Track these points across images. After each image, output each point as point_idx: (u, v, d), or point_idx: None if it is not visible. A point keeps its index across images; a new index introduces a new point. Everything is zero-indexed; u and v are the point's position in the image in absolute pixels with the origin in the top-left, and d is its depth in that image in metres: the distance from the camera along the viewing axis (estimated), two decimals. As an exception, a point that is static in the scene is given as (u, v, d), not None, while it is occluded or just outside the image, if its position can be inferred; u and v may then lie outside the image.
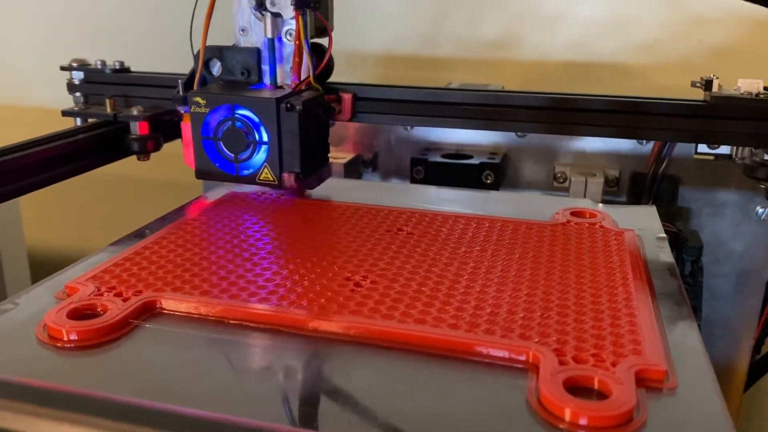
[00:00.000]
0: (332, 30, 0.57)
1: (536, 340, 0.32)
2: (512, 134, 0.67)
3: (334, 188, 0.58)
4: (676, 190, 0.63)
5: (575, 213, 0.51)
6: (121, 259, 0.41)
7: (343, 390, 0.30)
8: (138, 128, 0.64)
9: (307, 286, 0.38)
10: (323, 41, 0.56)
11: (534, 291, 0.37)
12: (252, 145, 0.50)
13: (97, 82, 0.70)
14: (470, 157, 0.66)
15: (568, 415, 0.27)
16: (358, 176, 0.71)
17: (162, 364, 0.32)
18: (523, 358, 0.31)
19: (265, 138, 0.49)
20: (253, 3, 0.52)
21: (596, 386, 0.29)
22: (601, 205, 0.53)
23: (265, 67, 0.54)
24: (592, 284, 0.38)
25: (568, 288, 0.38)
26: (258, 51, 0.54)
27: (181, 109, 0.53)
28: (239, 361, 0.33)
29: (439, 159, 0.66)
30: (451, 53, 0.91)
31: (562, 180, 0.64)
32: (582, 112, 0.58)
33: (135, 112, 0.64)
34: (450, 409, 0.28)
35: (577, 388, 0.29)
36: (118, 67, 0.70)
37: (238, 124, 0.49)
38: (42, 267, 0.94)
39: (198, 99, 0.50)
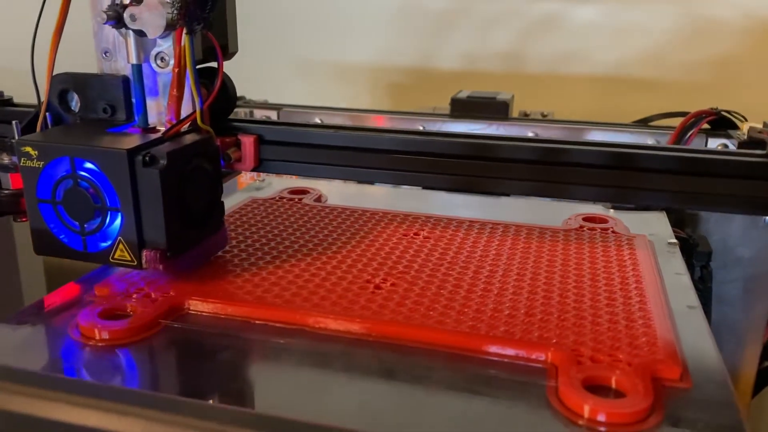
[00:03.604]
0: (233, 53, 0.45)
1: (554, 340, 0.33)
2: (523, 141, 0.68)
3: (348, 194, 0.59)
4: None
5: (587, 219, 0.52)
6: (147, 261, 0.42)
7: (366, 388, 0.31)
8: (10, 181, 0.47)
9: (330, 288, 0.39)
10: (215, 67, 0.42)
11: (550, 294, 0.38)
12: (101, 212, 0.37)
13: None
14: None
15: (587, 412, 0.28)
16: (370, 182, 0.72)
17: (189, 361, 0.33)
18: (542, 357, 0.32)
19: (118, 203, 0.36)
20: (105, 18, 0.38)
21: (613, 385, 0.30)
22: (612, 210, 0.54)
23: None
24: (607, 287, 0.39)
25: (583, 291, 0.39)
26: (126, 80, 0.42)
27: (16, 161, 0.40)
28: (263, 360, 0.34)
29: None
30: (455, 66, 0.92)
31: (572, 187, 0.65)
32: (581, 168, 0.43)
33: (6, 160, 0.46)
34: (473, 406, 0.29)
35: (595, 387, 0.30)
36: None
37: (83, 183, 0.36)
38: (57, 275, 0.96)
39: (27, 149, 0.37)
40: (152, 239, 0.37)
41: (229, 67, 0.44)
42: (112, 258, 0.37)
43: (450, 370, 0.32)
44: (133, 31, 0.39)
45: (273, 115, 0.73)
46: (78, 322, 0.35)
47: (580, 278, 0.41)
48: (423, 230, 0.49)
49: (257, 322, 0.36)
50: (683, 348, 0.34)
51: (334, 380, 0.31)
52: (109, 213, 0.37)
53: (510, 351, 0.33)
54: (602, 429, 0.28)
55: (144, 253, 0.37)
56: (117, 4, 0.38)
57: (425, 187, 0.67)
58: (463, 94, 0.74)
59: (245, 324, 0.36)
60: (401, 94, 0.96)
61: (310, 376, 0.32)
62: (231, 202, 0.55)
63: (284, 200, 0.55)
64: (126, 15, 0.38)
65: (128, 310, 0.36)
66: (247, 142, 0.46)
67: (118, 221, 0.37)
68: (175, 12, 0.37)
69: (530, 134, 0.69)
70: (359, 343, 0.34)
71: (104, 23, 0.39)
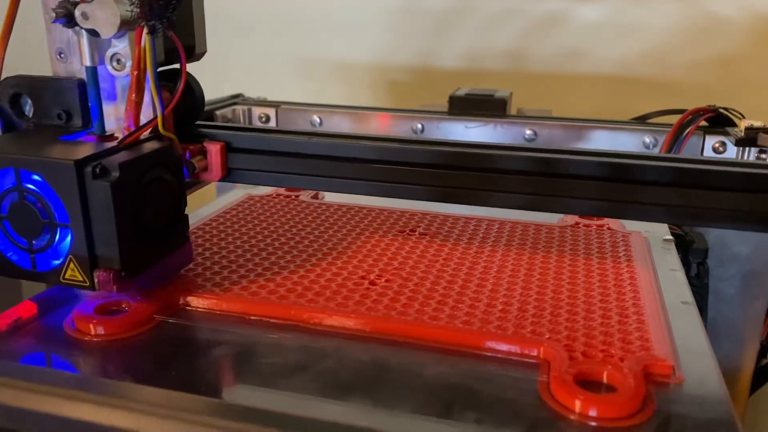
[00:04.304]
0: (201, 53, 0.43)
1: (547, 336, 0.33)
2: (521, 137, 0.68)
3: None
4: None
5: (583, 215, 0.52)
6: (143, 257, 0.42)
7: (359, 383, 0.31)
8: None
9: (324, 284, 0.39)
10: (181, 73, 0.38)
11: (544, 290, 0.39)
12: (50, 228, 0.34)
13: None
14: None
15: (578, 406, 0.28)
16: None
17: (183, 356, 0.33)
18: (534, 353, 0.32)
19: (67, 219, 0.33)
20: (54, 16, 0.35)
21: (605, 380, 0.30)
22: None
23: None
24: (601, 283, 0.40)
25: (577, 287, 0.39)
26: (81, 84, 0.39)
27: None
28: (257, 355, 0.34)
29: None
30: (456, 65, 0.92)
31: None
32: (573, 180, 0.39)
33: None
34: (465, 401, 0.29)
35: (586, 382, 0.30)
36: None
37: (29, 197, 0.34)
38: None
39: None
40: (105, 258, 0.34)
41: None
42: (63, 278, 0.35)
43: (442, 365, 0.32)
44: (86, 30, 0.36)
45: (271, 113, 0.73)
46: (73, 317, 0.35)
47: (575, 275, 0.41)
48: (419, 227, 0.49)
49: (252, 318, 0.36)
50: (676, 343, 0.34)
51: (327, 375, 0.31)
52: (58, 229, 0.34)
53: (502, 346, 0.33)
54: (593, 423, 0.28)
55: (96, 273, 0.34)
56: (68, 1, 0.35)
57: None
58: (462, 92, 0.74)
59: (240, 320, 0.36)
60: (403, 92, 0.96)
61: (304, 372, 0.32)
62: (228, 199, 0.55)
63: (281, 197, 0.56)
64: (77, 12, 0.35)
65: (123, 306, 0.36)
66: (214, 150, 0.43)
67: (68, 238, 0.34)
68: (135, 10, 0.34)
69: (528, 131, 0.69)
70: (353, 339, 0.34)
71: (54, 21, 0.35)
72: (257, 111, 0.74)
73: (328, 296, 0.37)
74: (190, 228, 0.48)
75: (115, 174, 0.33)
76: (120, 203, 0.33)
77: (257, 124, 0.73)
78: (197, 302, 0.37)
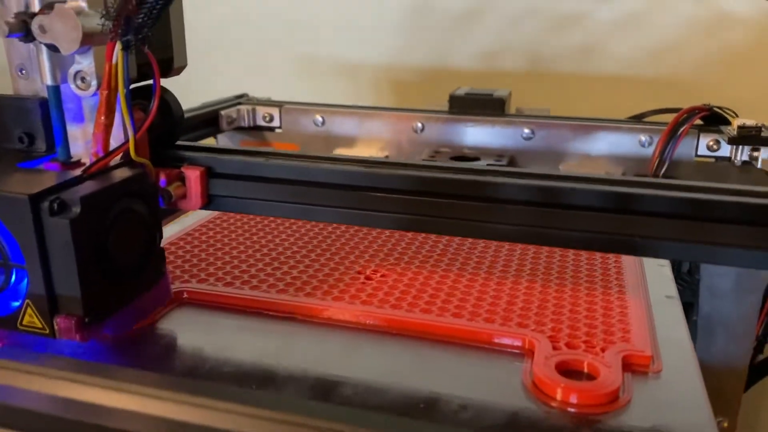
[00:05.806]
0: (181, 67, 0.40)
1: (532, 328, 0.35)
2: (519, 136, 0.70)
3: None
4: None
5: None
6: (149, 253, 0.44)
7: (351, 369, 0.33)
8: None
9: (322, 279, 0.41)
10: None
11: (533, 284, 0.40)
12: (5, 269, 0.31)
13: None
14: (477, 159, 0.69)
15: (559, 394, 0.30)
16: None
17: (186, 346, 0.35)
18: (519, 343, 0.34)
19: (22, 259, 0.30)
20: (8, 29, 0.32)
21: (586, 369, 0.32)
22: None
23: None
24: (588, 279, 0.41)
25: (564, 282, 0.41)
26: (44, 103, 0.35)
27: None
28: (257, 346, 0.35)
29: (447, 161, 0.69)
30: (464, 65, 0.94)
31: (566, 182, 0.66)
32: (569, 210, 0.35)
33: None
34: (451, 389, 0.31)
35: (568, 371, 0.31)
36: None
37: None
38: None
39: None
40: (66, 303, 0.30)
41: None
42: (20, 324, 0.31)
43: (431, 354, 0.34)
44: (45, 45, 0.32)
45: (275, 112, 0.74)
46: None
47: (563, 269, 0.42)
48: (415, 224, 0.50)
49: (252, 310, 0.38)
50: (657, 335, 0.35)
51: (322, 362, 0.33)
52: (14, 270, 0.30)
53: (489, 337, 0.35)
54: (573, 410, 0.29)
55: (57, 320, 0.30)
56: (24, 12, 0.32)
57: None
58: (461, 91, 0.76)
59: (241, 312, 0.38)
60: (411, 93, 0.97)
61: (302, 360, 0.34)
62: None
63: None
64: (34, 26, 0.31)
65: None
66: (192, 176, 0.39)
67: (25, 281, 0.30)
68: (108, 23, 0.31)
69: (526, 130, 0.70)
70: (348, 330, 0.36)
71: (7, 36, 0.32)
72: (261, 111, 0.76)
73: (326, 290, 0.39)
74: (192, 226, 0.50)
75: (76, 210, 0.29)
76: (82, 241, 0.29)
77: (261, 123, 0.75)
78: (200, 296, 0.39)
